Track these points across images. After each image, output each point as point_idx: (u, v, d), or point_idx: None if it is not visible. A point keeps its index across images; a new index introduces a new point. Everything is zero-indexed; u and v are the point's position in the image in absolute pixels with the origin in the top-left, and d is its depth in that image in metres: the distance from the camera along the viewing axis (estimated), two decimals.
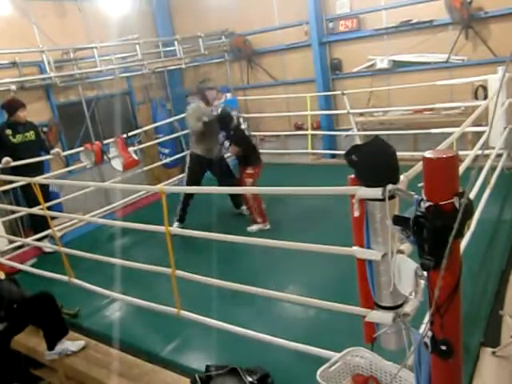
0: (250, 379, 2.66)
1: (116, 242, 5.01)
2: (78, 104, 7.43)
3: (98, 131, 7.79)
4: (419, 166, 1.89)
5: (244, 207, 5.63)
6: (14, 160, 5.07)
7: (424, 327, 1.71)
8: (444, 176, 1.53)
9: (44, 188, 4.87)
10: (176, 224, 5.41)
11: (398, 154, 1.90)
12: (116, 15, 7.81)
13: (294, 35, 8.06)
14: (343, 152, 2.01)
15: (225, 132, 5.27)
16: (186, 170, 5.62)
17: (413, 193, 1.74)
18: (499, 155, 5.24)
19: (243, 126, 5.27)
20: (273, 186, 2.68)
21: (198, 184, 5.43)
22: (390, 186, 1.87)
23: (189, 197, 5.47)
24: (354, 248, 2.15)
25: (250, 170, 5.25)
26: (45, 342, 3.39)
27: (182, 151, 7.93)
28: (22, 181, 4.58)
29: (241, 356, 2.96)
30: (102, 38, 7.33)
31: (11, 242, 5.16)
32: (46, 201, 4.39)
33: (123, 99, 8.42)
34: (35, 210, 4.42)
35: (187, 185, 5.47)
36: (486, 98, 6.03)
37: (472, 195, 3.39)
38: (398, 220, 1.67)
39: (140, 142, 7.23)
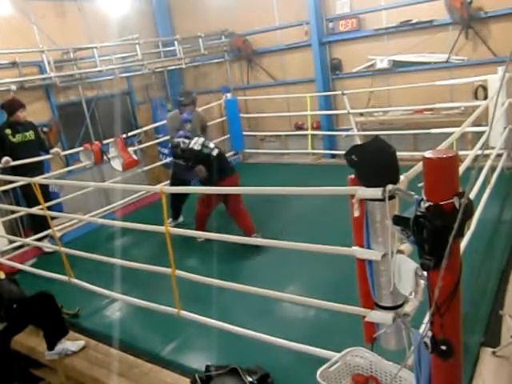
0: (250, 379, 2.66)
1: (116, 242, 5.02)
2: (78, 104, 7.42)
3: (97, 131, 7.78)
4: (419, 166, 1.89)
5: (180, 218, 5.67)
6: (14, 160, 5.08)
7: (424, 327, 1.71)
8: (444, 176, 1.53)
9: (44, 188, 4.87)
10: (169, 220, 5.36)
11: (397, 153, 1.90)
12: (116, 15, 7.80)
13: (293, 35, 8.06)
14: (343, 152, 2.01)
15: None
16: (171, 176, 5.74)
17: (413, 193, 1.74)
18: (499, 155, 5.24)
19: (196, 147, 4.84)
20: (273, 185, 2.68)
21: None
22: (389, 186, 1.87)
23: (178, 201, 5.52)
24: (354, 248, 2.15)
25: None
26: (45, 342, 3.40)
27: None
28: (21, 181, 4.58)
29: (241, 356, 2.96)
30: (102, 38, 7.33)
31: (11, 241, 5.16)
32: (46, 201, 4.39)
33: (123, 99, 8.41)
34: (35, 210, 4.43)
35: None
36: (486, 98, 6.03)
37: (472, 195, 3.39)
38: (398, 220, 1.67)
39: (140, 142, 7.23)
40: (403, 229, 1.64)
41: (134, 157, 6.62)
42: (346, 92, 7.17)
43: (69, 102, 7.56)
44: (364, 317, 2.22)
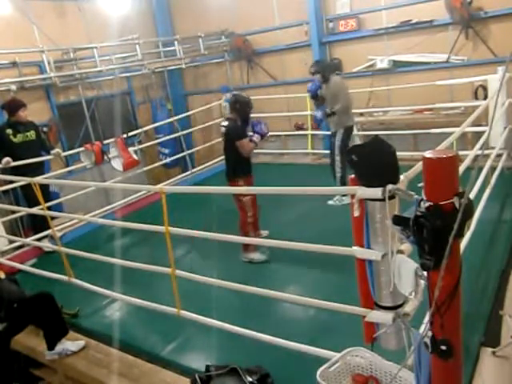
0: (250, 379, 2.66)
1: (116, 242, 5.00)
2: (78, 104, 7.43)
3: (98, 131, 7.79)
4: (419, 166, 1.89)
5: None
6: (15, 160, 5.08)
7: (424, 327, 1.71)
8: (444, 176, 1.53)
9: (44, 188, 4.87)
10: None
11: (397, 153, 1.90)
12: (116, 15, 7.80)
13: (293, 35, 8.06)
14: None
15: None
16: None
17: (413, 193, 1.74)
18: (499, 155, 5.24)
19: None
20: (273, 185, 2.68)
21: None
22: (389, 186, 1.87)
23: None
24: (354, 248, 2.15)
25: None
26: (45, 342, 3.39)
27: (182, 151, 7.94)
28: (22, 181, 4.58)
29: (241, 356, 2.96)
30: (102, 38, 7.33)
31: (11, 241, 5.16)
32: (47, 201, 4.39)
33: (123, 99, 8.42)
34: (35, 210, 4.42)
35: None
36: (485, 98, 6.03)
37: (472, 195, 3.39)
38: (398, 220, 1.67)
39: (140, 142, 7.23)
40: (403, 229, 1.64)
41: (135, 157, 6.62)
42: None
43: (69, 102, 7.57)
44: (364, 317, 2.21)
